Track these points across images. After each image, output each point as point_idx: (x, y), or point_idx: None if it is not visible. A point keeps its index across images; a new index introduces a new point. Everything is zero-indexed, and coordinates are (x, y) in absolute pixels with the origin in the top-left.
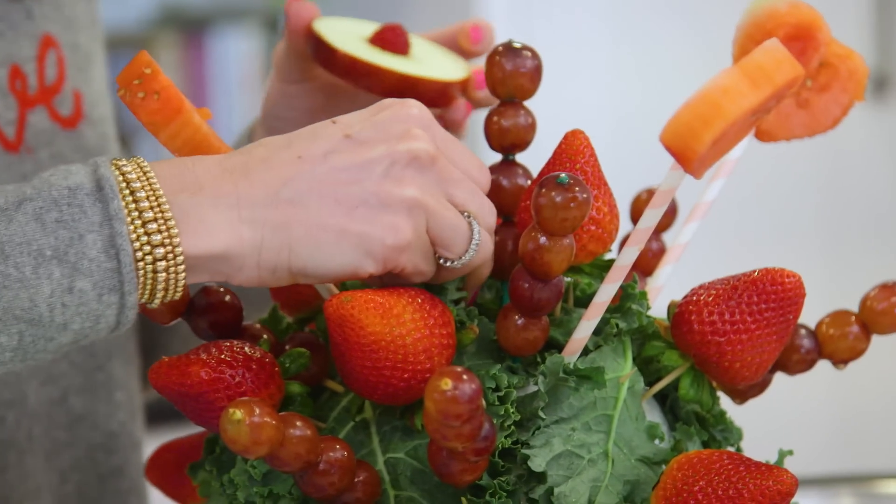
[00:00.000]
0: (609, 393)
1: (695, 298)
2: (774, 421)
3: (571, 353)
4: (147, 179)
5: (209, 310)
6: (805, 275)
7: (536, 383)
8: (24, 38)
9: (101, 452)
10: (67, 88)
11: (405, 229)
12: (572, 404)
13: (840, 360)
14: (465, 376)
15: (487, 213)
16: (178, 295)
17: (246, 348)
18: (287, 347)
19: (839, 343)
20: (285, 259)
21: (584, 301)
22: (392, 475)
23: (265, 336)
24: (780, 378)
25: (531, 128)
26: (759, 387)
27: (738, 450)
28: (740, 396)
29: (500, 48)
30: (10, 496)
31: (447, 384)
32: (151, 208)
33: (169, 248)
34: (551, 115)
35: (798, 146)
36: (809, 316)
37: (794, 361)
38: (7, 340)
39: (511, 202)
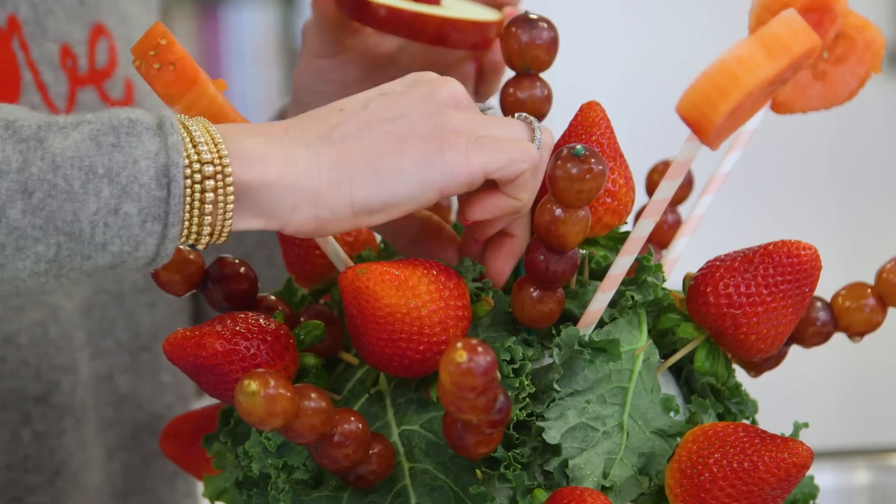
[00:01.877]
0: (624, 365)
1: (710, 271)
2: (790, 394)
3: (586, 326)
4: (206, 128)
5: (224, 281)
6: (821, 247)
7: (551, 356)
8: (74, 22)
9: (146, 433)
10: (119, 75)
11: (459, 137)
12: (587, 377)
13: (856, 333)
14: (480, 348)
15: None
16: (224, 236)
17: (261, 320)
18: (302, 319)
19: (855, 316)
20: (346, 193)
21: (600, 273)
22: (407, 447)
23: (280, 308)
24: (795, 351)
25: (547, 99)
26: (775, 359)
27: (754, 422)
28: (755, 369)
29: (517, 20)
30: (69, 461)
31: (462, 356)
32: (208, 148)
33: (220, 177)
34: (567, 86)
35: (814, 118)
36: (826, 288)
37: (809, 334)
38: (44, 250)
39: None
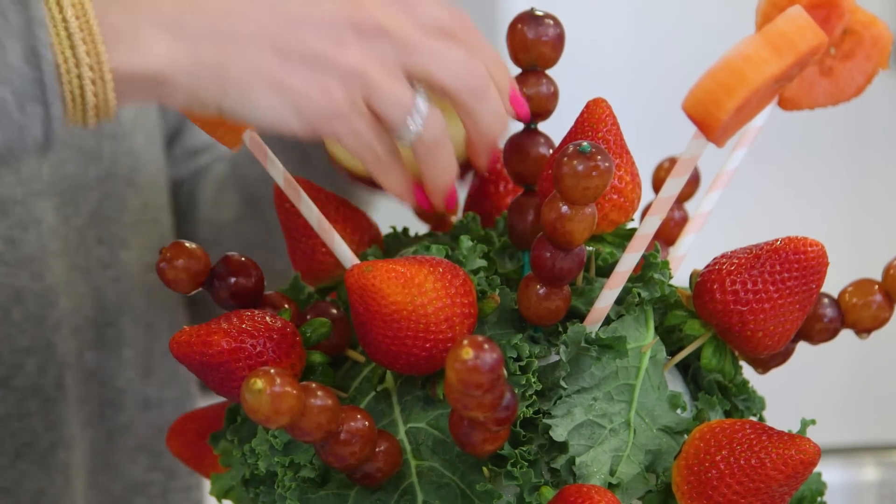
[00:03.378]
0: (631, 362)
1: (717, 267)
2: (797, 390)
3: (593, 323)
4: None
5: (230, 279)
6: (828, 244)
7: (558, 353)
8: None
9: (110, 408)
10: None
11: (338, 96)
12: (594, 374)
13: (863, 330)
14: (486, 345)
15: (457, 75)
16: (111, 114)
17: (267, 318)
18: (308, 317)
19: (862, 312)
20: (216, 97)
21: (606, 270)
22: (413, 445)
23: (286, 306)
24: (802, 347)
25: (553, 96)
26: (782, 356)
27: (761, 419)
28: (763, 366)
29: (523, 16)
30: (33, 443)
31: (468, 353)
32: (78, 19)
33: (96, 61)
34: (574, 83)
35: (822, 114)
36: (833, 285)
37: (816, 330)
38: None
39: (533, 171)
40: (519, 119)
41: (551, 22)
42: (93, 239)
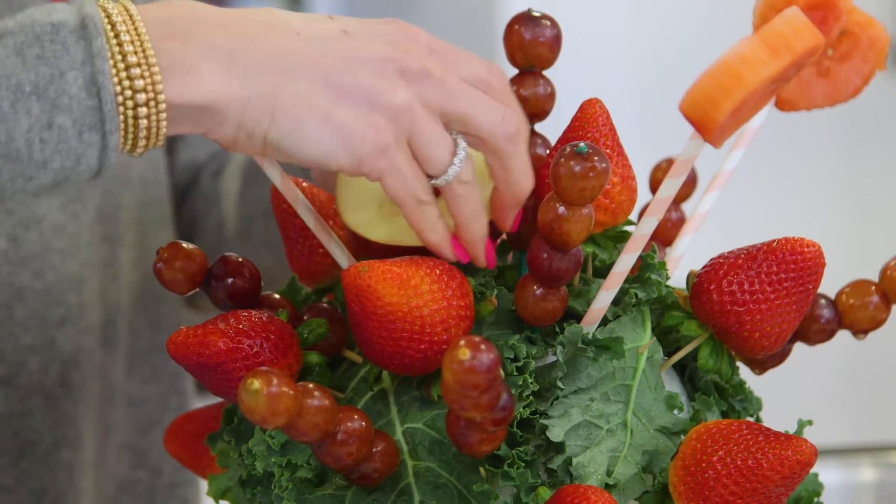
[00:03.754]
0: (628, 363)
1: (714, 268)
2: (794, 391)
3: (590, 324)
4: (133, 23)
5: (227, 279)
6: (825, 245)
7: (555, 353)
8: None
9: (107, 406)
10: None
11: (386, 131)
12: (591, 374)
13: (860, 330)
14: (483, 346)
15: (494, 122)
16: (159, 142)
17: (264, 318)
18: (305, 317)
19: (859, 313)
20: (265, 127)
21: (603, 271)
22: (410, 445)
23: (283, 306)
24: (799, 348)
25: (550, 97)
26: (779, 357)
27: (758, 420)
28: (760, 366)
29: (520, 17)
30: (36, 441)
31: (465, 354)
32: (136, 53)
33: (151, 94)
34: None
35: (819, 115)
36: (830, 286)
37: (813, 331)
38: None
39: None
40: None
41: (548, 23)
42: (98, 236)
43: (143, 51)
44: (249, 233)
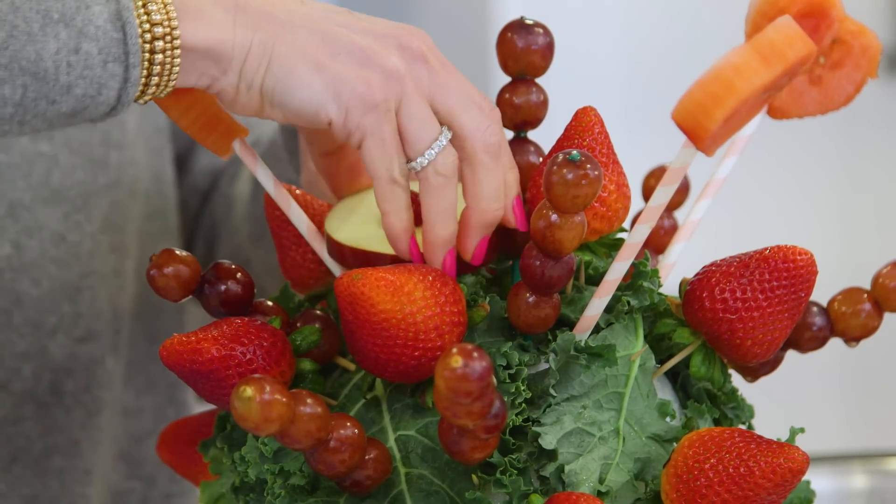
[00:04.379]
0: (620, 370)
1: (706, 276)
2: (786, 399)
3: (583, 331)
4: None
5: (220, 286)
6: (817, 253)
7: (547, 361)
8: None
9: (97, 416)
10: None
11: (377, 89)
12: (583, 382)
13: (852, 338)
14: (475, 353)
15: (478, 127)
16: (167, 91)
17: (257, 325)
18: (298, 325)
19: (851, 321)
20: (262, 74)
21: (596, 279)
22: (403, 453)
23: (276, 313)
24: (791, 356)
25: (543, 105)
26: (771, 364)
27: (750, 427)
28: (752, 374)
29: (512, 25)
30: (28, 448)
31: (458, 361)
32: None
33: (168, 29)
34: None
35: (812, 123)
36: (822, 293)
37: (805, 339)
38: (11, 93)
39: (523, 179)
40: (515, 227)
41: (541, 31)
42: (106, 246)
43: (165, 5)
44: (263, 234)
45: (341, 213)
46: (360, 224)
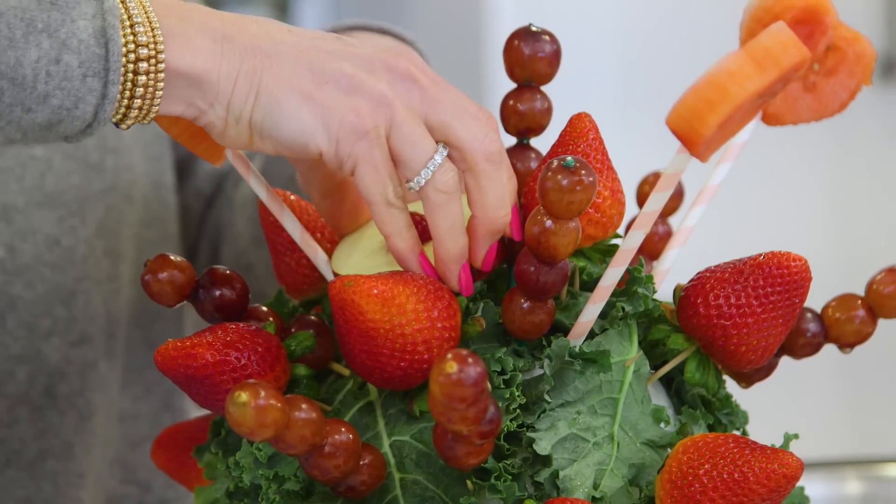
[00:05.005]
0: (615, 376)
1: (701, 282)
2: (780, 405)
3: (577, 337)
4: (142, 2)
5: (215, 292)
6: (812, 259)
7: (542, 367)
8: None
9: (91, 420)
10: None
11: (366, 117)
12: (578, 388)
13: (846, 344)
14: (470, 359)
15: (476, 137)
16: (150, 117)
17: (252, 330)
18: (293, 330)
19: (845, 327)
20: (250, 107)
21: (591, 284)
22: (397, 458)
23: (271, 319)
24: (786, 362)
25: (547, 112)
26: (765, 370)
27: (744, 433)
28: (746, 380)
29: (519, 32)
30: (21, 450)
31: (452, 367)
32: (140, 15)
33: (153, 51)
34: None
35: (805, 130)
36: (816, 299)
37: (800, 345)
38: None
39: (522, 186)
40: (511, 237)
41: (548, 38)
42: (101, 251)
43: (148, 18)
44: (262, 237)
45: (345, 249)
46: (364, 257)
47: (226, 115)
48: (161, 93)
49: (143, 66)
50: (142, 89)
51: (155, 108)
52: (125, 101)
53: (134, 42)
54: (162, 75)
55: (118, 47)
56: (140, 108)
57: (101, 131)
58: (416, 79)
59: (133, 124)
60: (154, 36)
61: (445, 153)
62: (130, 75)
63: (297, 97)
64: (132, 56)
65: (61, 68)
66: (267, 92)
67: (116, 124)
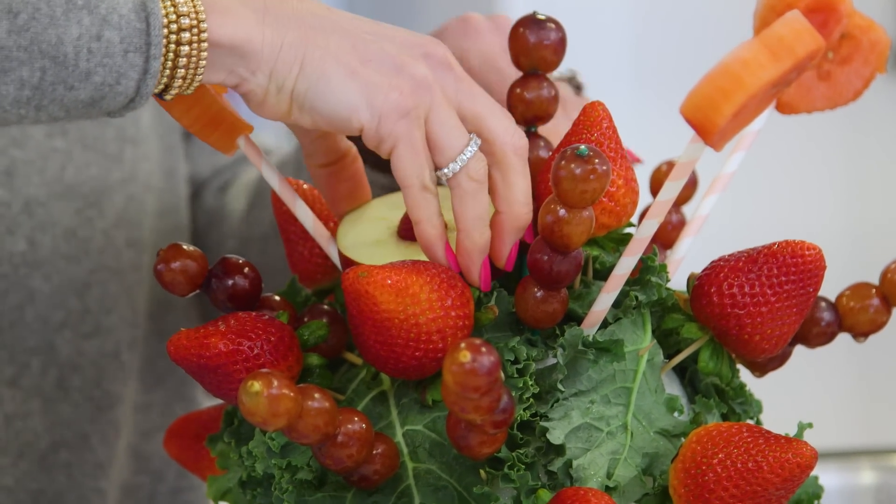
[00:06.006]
0: (628, 365)
1: (714, 271)
2: (794, 394)
3: (591, 326)
4: None
5: (228, 281)
6: (826, 248)
7: (555, 356)
8: None
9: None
10: None
11: (408, 95)
12: (591, 377)
13: (860, 333)
14: (483, 349)
15: (507, 131)
16: (193, 87)
17: (265, 320)
18: (306, 319)
19: (859, 316)
20: (294, 77)
21: (604, 273)
22: (410, 447)
23: (284, 308)
24: (800, 351)
25: (554, 100)
26: (779, 359)
27: (758, 422)
28: (760, 369)
29: (525, 20)
30: (34, 443)
31: (466, 356)
32: None
33: (195, 21)
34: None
35: (820, 118)
36: (830, 288)
37: (814, 334)
38: (29, 75)
39: (533, 174)
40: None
41: (553, 26)
42: (122, 241)
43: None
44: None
45: (348, 229)
46: (373, 245)
47: (267, 83)
48: (204, 62)
49: (186, 36)
50: (185, 59)
51: (199, 78)
52: (167, 72)
53: (175, 13)
54: (205, 44)
55: (159, 21)
56: (184, 79)
57: (119, 122)
58: (452, 67)
59: (177, 93)
60: (195, 6)
61: (479, 142)
62: (173, 46)
63: (342, 71)
64: (174, 27)
65: (102, 45)
66: (313, 63)
67: (160, 95)
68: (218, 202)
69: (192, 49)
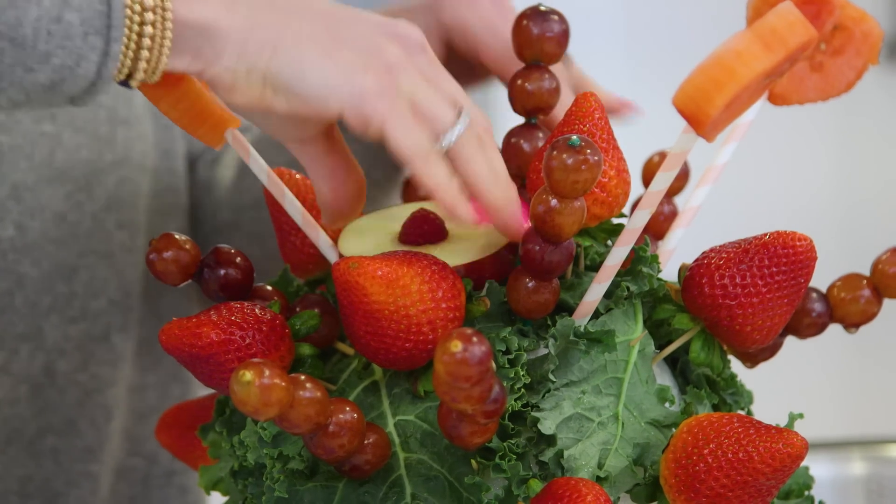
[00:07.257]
0: (619, 356)
1: (706, 261)
2: (785, 384)
3: (582, 316)
4: None
5: (220, 271)
6: (817, 239)
7: (547, 346)
8: None
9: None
10: None
11: (384, 74)
12: (582, 367)
13: (851, 324)
14: (475, 338)
15: (478, 111)
16: (158, 73)
17: (256, 310)
18: (297, 309)
19: (850, 307)
20: (266, 58)
21: (595, 264)
22: (402, 437)
23: (276, 298)
24: (790, 341)
25: (555, 92)
26: (770, 350)
27: (749, 413)
28: (751, 360)
29: (528, 11)
30: (22, 429)
31: (457, 346)
32: None
33: (160, 5)
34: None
35: (812, 109)
36: (821, 279)
37: (805, 325)
38: None
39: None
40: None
41: (556, 18)
42: (112, 223)
43: None
44: (238, 223)
45: (348, 236)
46: (367, 242)
47: (235, 65)
48: (169, 43)
49: (150, 16)
50: (148, 40)
51: (163, 62)
52: (131, 55)
53: None
54: (170, 24)
55: (120, 3)
56: (148, 61)
57: (110, 103)
58: (426, 49)
59: (143, 79)
60: None
61: (469, 110)
62: (136, 27)
63: (317, 52)
64: (137, 7)
65: (63, 26)
66: (287, 45)
67: (125, 83)
68: (209, 173)
69: (155, 30)
